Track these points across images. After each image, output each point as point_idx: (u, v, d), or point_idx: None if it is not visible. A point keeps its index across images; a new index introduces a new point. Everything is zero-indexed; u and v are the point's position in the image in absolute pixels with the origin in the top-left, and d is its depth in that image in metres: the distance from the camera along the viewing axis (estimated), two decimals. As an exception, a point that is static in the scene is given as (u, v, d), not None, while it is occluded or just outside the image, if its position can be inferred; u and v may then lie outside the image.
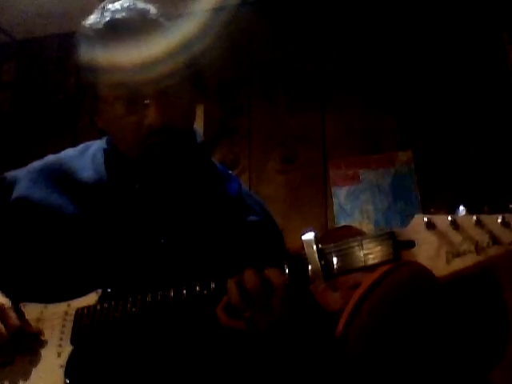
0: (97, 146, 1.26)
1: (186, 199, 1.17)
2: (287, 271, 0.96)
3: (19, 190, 1.18)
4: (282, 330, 0.97)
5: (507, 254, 0.84)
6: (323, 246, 0.95)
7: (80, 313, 1.05)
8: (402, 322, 1.26)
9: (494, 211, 0.86)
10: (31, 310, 1.09)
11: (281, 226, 1.31)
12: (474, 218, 0.86)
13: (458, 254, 0.86)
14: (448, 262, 0.86)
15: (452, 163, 2.49)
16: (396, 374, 1.23)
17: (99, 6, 1.16)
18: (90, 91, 1.14)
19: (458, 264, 0.86)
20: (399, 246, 0.90)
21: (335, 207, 2.59)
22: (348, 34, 2.81)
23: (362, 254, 0.92)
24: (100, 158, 1.21)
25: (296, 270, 0.96)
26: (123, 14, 1.12)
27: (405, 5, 2.74)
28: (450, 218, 0.88)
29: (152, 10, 1.15)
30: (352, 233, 2.00)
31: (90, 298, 1.06)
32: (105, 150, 1.22)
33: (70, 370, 1.02)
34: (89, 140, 1.29)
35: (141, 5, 1.15)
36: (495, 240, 0.84)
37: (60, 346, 1.05)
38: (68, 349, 1.04)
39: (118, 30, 1.10)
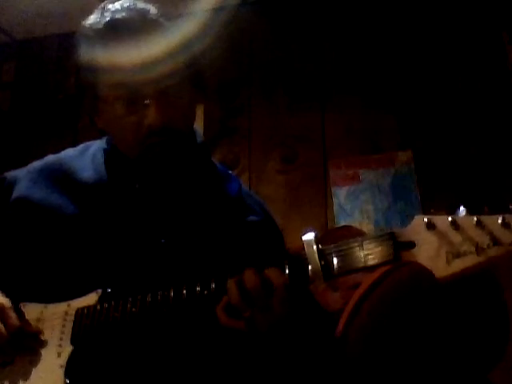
0: (97, 146, 1.26)
1: (186, 199, 1.17)
2: (287, 271, 0.96)
3: (19, 190, 1.18)
4: (282, 330, 0.97)
5: (507, 255, 0.84)
6: (323, 246, 0.95)
7: (80, 313, 1.05)
8: (401, 323, 1.26)
9: (494, 211, 0.86)
10: (31, 310, 1.09)
11: (281, 226, 1.31)
12: (475, 218, 0.86)
13: (458, 255, 0.86)
14: (448, 262, 0.86)
15: (452, 163, 2.49)
16: (396, 374, 1.23)
17: (99, 6, 1.16)
18: (90, 91, 1.14)
19: (458, 265, 0.86)
20: (399, 247, 0.90)
21: (335, 207, 2.59)
22: (348, 34, 2.81)
23: (362, 254, 0.92)
24: (100, 158, 1.21)
25: (296, 270, 0.96)
26: (123, 13, 1.12)
27: (405, 5, 2.74)
28: (450, 218, 0.88)
29: (152, 10, 1.15)
30: (352, 233, 2.00)
31: (90, 298, 1.06)
32: (105, 150, 1.22)
33: (70, 370, 1.02)
34: (89, 140, 1.29)
35: (141, 5, 1.15)
36: (495, 241, 0.84)
37: (60, 346, 1.05)
38: (68, 349, 1.04)
39: (118, 30, 1.10)
